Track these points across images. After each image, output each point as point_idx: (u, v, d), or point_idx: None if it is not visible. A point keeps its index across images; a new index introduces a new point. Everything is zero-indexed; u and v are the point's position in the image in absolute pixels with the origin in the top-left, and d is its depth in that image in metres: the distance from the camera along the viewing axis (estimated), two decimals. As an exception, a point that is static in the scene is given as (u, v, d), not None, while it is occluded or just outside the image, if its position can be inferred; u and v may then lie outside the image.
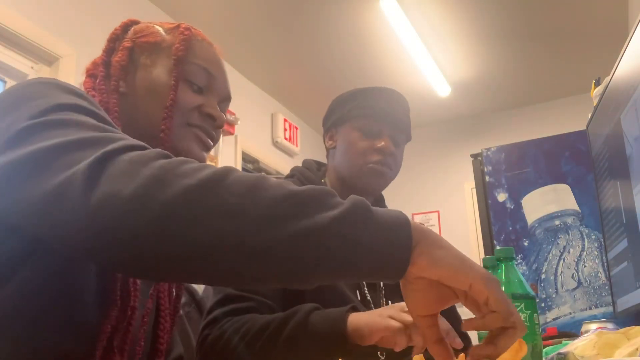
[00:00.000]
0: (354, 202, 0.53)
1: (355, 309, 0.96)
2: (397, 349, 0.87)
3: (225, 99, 0.93)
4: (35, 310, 0.63)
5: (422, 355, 0.63)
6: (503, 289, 0.80)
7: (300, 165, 1.33)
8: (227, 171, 0.53)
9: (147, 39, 0.88)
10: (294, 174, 1.27)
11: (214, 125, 0.87)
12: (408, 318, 0.86)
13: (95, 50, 0.91)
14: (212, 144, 0.88)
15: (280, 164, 4.33)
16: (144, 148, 0.55)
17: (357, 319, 0.92)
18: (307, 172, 1.27)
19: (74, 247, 0.53)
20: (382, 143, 1.21)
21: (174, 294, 0.88)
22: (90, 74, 0.88)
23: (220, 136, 0.91)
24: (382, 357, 1.07)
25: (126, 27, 0.91)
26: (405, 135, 1.29)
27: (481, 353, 0.56)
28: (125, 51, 0.86)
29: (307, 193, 0.53)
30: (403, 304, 0.90)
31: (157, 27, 0.90)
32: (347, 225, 0.52)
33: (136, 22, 0.92)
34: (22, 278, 0.62)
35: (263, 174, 0.56)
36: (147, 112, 0.83)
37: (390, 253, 0.52)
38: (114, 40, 0.89)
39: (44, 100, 0.61)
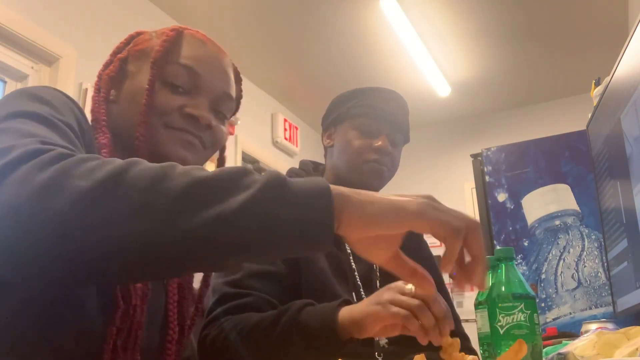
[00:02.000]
0: (268, 177, 0.52)
1: (347, 302, 0.95)
2: (414, 334, 0.82)
3: (221, 97, 0.87)
4: (40, 318, 0.63)
5: (423, 355, 0.63)
6: (503, 289, 0.80)
7: (298, 165, 1.34)
8: (128, 166, 0.51)
9: (138, 47, 0.87)
10: (291, 176, 1.28)
11: (197, 126, 0.82)
12: (412, 301, 0.82)
13: (96, 50, 0.93)
14: (199, 144, 0.84)
15: (280, 164, 4.33)
16: (49, 151, 0.53)
17: (352, 311, 0.90)
18: (303, 174, 1.27)
19: None
20: (380, 142, 1.21)
21: (194, 306, 0.86)
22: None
23: (218, 137, 0.87)
24: (379, 359, 1.07)
25: (130, 39, 0.90)
26: (403, 135, 1.28)
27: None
28: (117, 62, 0.85)
29: (217, 177, 0.52)
30: (399, 284, 0.86)
31: (152, 33, 0.89)
32: (261, 204, 0.50)
33: (141, 33, 0.90)
34: (26, 285, 0.62)
35: (171, 163, 0.54)
36: (128, 119, 0.81)
37: (310, 223, 0.51)
38: (115, 54, 0.88)
39: (4, 108, 0.63)
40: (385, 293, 0.86)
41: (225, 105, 0.89)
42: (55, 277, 0.52)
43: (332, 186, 0.54)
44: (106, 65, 0.87)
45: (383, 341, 1.09)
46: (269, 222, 0.50)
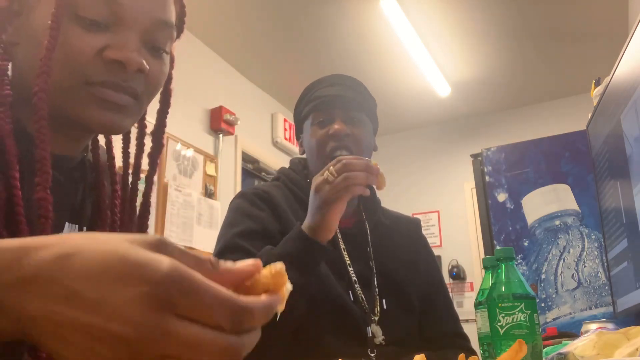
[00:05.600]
0: None
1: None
2: (362, 192, 0.99)
3: (155, 27, 0.66)
4: None
5: (423, 355, 0.63)
6: (503, 289, 0.80)
7: (293, 164, 1.34)
8: None
9: None
10: (279, 177, 1.28)
11: (124, 74, 0.63)
12: (338, 179, 0.95)
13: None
14: (129, 98, 0.65)
15: (280, 164, 4.30)
16: None
17: (310, 222, 1.00)
18: (292, 174, 1.26)
19: None
20: (335, 126, 1.18)
21: None
22: None
23: (155, 80, 0.68)
24: (372, 355, 1.07)
25: None
26: (364, 111, 1.23)
27: None
28: None
29: None
30: (317, 181, 0.99)
31: None
32: None
33: None
34: None
35: None
36: (30, 67, 0.61)
37: None
38: None
39: None
40: (317, 197, 0.99)
41: (162, 36, 0.68)
42: None
43: None
44: None
45: (379, 338, 1.09)
46: None
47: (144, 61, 0.64)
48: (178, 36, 0.75)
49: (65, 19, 0.61)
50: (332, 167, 0.98)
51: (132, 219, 0.75)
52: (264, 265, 0.39)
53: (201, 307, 0.33)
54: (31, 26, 0.63)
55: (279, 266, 0.39)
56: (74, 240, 0.35)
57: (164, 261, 0.33)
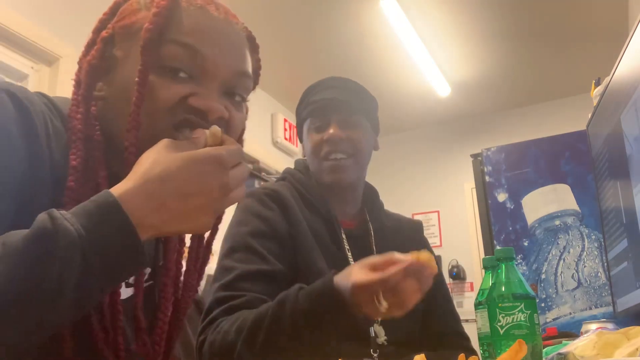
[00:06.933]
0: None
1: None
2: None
3: (235, 77, 0.70)
4: None
5: (423, 355, 0.63)
6: (503, 289, 0.80)
7: (297, 164, 1.34)
8: None
9: (124, 21, 0.69)
10: (285, 177, 1.28)
11: (204, 121, 0.65)
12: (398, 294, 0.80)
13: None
14: None
15: (280, 164, 4.33)
16: None
17: (346, 298, 0.85)
18: (299, 174, 1.26)
19: None
20: (330, 131, 1.17)
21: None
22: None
23: (234, 128, 0.70)
24: (375, 355, 1.07)
25: (115, 7, 0.71)
26: (361, 114, 1.22)
27: None
28: (101, 44, 0.68)
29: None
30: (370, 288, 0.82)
31: (140, 1, 0.70)
32: None
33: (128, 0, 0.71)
34: None
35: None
36: (121, 122, 0.64)
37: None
38: (98, 30, 0.70)
39: None
40: (362, 311, 0.84)
41: (241, 86, 0.72)
42: None
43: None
44: (88, 48, 0.70)
45: (382, 338, 1.09)
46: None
47: (224, 108, 0.68)
48: (253, 88, 0.78)
49: (152, 72, 0.64)
50: (382, 299, 0.82)
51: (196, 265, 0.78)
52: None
53: (234, 159, 0.60)
54: (120, 81, 0.67)
55: (214, 129, 0.63)
56: (154, 171, 0.56)
57: (210, 150, 0.59)
